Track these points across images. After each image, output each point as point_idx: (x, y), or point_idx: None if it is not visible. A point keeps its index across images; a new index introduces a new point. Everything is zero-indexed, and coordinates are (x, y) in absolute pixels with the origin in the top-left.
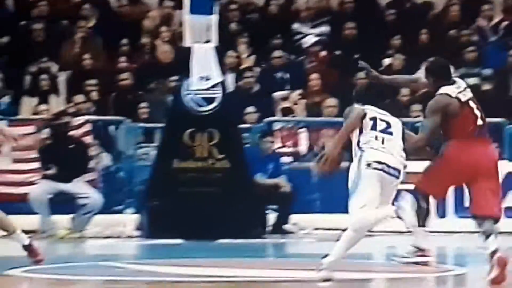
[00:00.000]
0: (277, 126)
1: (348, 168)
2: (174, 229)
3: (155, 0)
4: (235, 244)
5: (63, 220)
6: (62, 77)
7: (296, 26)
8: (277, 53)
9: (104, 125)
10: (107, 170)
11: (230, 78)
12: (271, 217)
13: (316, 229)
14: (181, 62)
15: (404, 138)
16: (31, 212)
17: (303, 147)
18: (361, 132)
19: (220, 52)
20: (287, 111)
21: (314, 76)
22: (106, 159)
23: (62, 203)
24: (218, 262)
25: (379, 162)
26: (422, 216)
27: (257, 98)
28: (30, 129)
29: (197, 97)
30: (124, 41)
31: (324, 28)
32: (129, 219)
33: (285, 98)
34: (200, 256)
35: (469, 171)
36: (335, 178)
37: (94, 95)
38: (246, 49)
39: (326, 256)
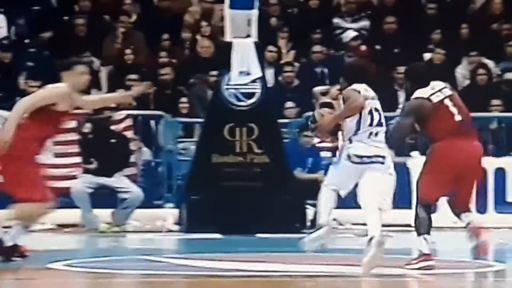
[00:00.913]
0: None
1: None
2: (213, 224)
3: None
4: (274, 238)
5: (104, 214)
6: (104, 72)
7: (336, 20)
8: (317, 47)
9: (144, 120)
10: (148, 165)
11: (270, 73)
12: (310, 212)
13: (355, 224)
14: (222, 57)
15: None
16: (72, 206)
17: (342, 142)
18: (358, 125)
19: (260, 47)
20: (326, 106)
21: None
22: (146, 154)
23: (103, 197)
24: (257, 256)
25: (359, 156)
26: (423, 226)
27: (297, 93)
28: (72, 123)
29: (237, 92)
30: (165, 36)
31: (364, 23)
32: (169, 214)
33: (324, 93)
34: (239, 251)
35: (456, 169)
36: None
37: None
38: (286, 44)
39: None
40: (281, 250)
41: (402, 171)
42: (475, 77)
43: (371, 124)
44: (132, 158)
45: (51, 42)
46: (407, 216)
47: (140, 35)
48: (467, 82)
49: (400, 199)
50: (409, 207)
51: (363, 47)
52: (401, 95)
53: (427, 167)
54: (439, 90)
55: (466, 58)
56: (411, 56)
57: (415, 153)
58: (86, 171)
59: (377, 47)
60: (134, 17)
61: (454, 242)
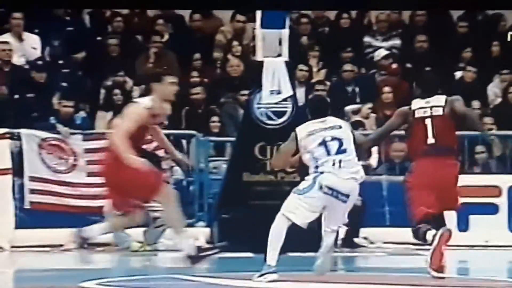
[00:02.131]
0: None
1: None
2: (244, 242)
3: (227, 14)
4: (305, 257)
5: (136, 233)
6: (136, 92)
7: (367, 39)
8: (348, 66)
9: (176, 139)
10: (179, 184)
11: (301, 92)
12: (342, 230)
13: (386, 242)
14: (253, 76)
15: (354, 141)
16: None
17: (373, 160)
18: (315, 159)
19: (291, 66)
20: (357, 125)
21: (386, 89)
22: (177, 173)
23: None
24: (288, 275)
25: (330, 188)
26: (423, 229)
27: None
28: (104, 143)
29: (268, 110)
30: (197, 55)
31: (395, 41)
32: (200, 232)
33: (356, 112)
34: None
35: (433, 188)
36: (405, 192)
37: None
38: (317, 63)
39: None
40: (312, 269)
41: None
42: (507, 95)
43: (328, 154)
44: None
45: (85, 62)
46: None
47: (172, 55)
48: (499, 100)
49: None
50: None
51: (394, 66)
52: None
53: (408, 188)
54: (431, 107)
55: (498, 76)
56: (442, 74)
57: None
58: None
59: (408, 65)
60: (166, 37)
61: (486, 261)
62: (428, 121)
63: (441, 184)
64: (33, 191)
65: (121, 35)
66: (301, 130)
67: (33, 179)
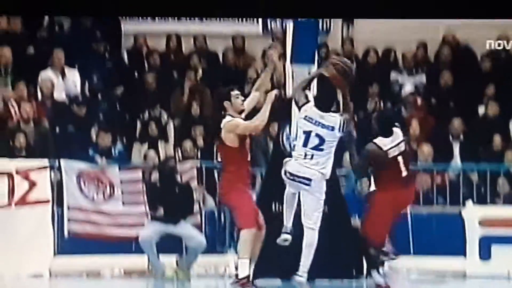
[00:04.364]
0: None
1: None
2: (274, 269)
3: (259, 50)
4: (333, 284)
5: (170, 260)
6: (171, 124)
7: (393, 75)
8: (374, 102)
9: (209, 170)
10: (211, 213)
11: None
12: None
13: (410, 271)
14: (284, 110)
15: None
16: (140, 252)
17: None
18: (296, 143)
19: None
20: None
21: (414, 124)
22: (210, 202)
23: (168, 244)
24: None
25: (290, 173)
26: (374, 262)
27: (355, 144)
28: (140, 174)
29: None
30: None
31: (421, 77)
32: (231, 260)
33: None
34: None
35: (395, 211)
36: (429, 222)
37: (201, 141)
38: None
39: None
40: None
41: (456, 220)
42: None
43: (305, 145)
44: (197, 207)
45: (122, 97)
46: (462, 264)
47: (206, 89)
48: None
49: (454, 247)
50: (463, 255)
51: (420, 101)
52: (456, 146)
53: (372, 213)
54: (397, 145)
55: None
56: (466, 110)
57: (469, 203)
58: (153, 219)
59: (433, 100)
60: (200, 72)
61: None
62: (399, 158)
63: (404, 206)
64: (72, 220)
65: (158, 71)
66: (305, 109)
67: (72, 208)
